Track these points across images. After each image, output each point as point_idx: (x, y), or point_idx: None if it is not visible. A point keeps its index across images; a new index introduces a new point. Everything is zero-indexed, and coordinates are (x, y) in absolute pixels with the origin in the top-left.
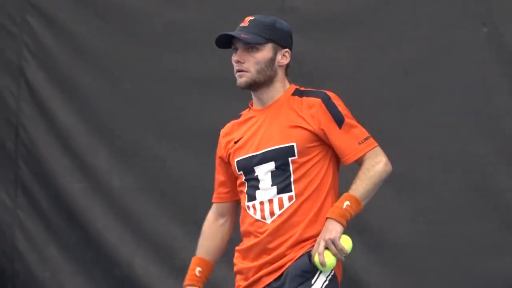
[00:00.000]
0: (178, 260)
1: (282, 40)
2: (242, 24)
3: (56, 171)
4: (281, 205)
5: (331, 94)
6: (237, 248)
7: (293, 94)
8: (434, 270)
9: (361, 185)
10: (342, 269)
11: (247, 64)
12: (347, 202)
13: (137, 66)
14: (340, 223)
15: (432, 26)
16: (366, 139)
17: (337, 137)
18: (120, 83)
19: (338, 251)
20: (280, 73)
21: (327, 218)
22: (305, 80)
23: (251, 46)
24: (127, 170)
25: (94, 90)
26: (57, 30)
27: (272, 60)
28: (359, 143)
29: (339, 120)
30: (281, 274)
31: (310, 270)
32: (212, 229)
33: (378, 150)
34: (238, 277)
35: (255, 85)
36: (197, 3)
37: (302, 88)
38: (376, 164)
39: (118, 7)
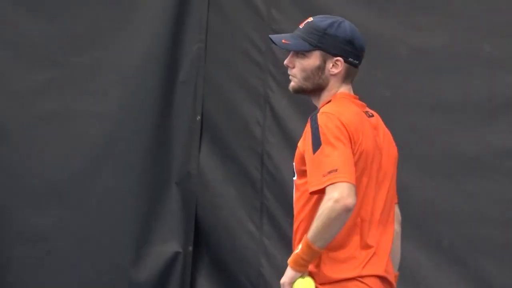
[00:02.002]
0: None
1: (333, 47)
2: (299, 26)
3: None
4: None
5: (323, 113)
6: None
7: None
8: None
9: (313, 227)
10: None
11: (295, 70)
12: (300, 246)
13: (380, 92)
14: (293, 269)
15: None
16: (331, 172)
17: (308, 161)
18: None
19: None
20: (333, 83)
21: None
22: None
23: (299, 52)
24: None
25: None
26: None
27: (321, 68)
28: (323, 175)
29: (316, 144)
30: None
31: None
32: None
33: (336, 186)
34: None
35: (303, 92)
36: (440, 28)
37: (332, 100)
38: (326, 202)
39: (363, 34)
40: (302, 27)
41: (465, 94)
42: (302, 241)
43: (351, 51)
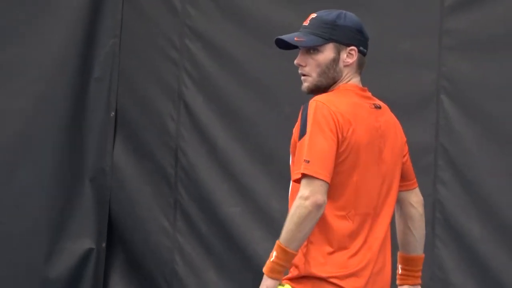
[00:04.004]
0: None
1: (345, 37)
2: (304, 23)
3: (215, 196)
4: None
5: (314, 100)
6: None
7: None
8: None
9: (285, 228)
10: None
11: (308, 68)
12: (275, 253)
13: (297, 90)
14: (271, 278)
15: None
16: (305, 161)
17: (297, 149)
18: (280, 107)
19: None
20: (346, 73)
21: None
22: (459, 100)
23: (312, 48)
24: (287, 194)
25: (254, 114)
26: (216, 54)
27: (335, 60)
28: (300, 164)
29: (302, 131)
30: None
31: None
32: None
33: (307, 180)
34: None
35: (318, 90)
36: None
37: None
38: (297, 201)
39: (280, 31)
40: (309, 24)
41: (383, 91)
42: (275, 246)
43: (361, 39)
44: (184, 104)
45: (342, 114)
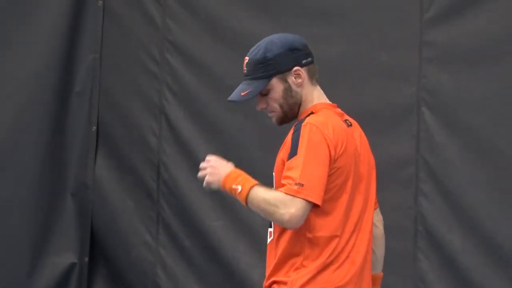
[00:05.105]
0: None
1: (283, 65)
2: (243, 71)
3: (198, 209)
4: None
5: (307, 123)
6: None
7: (307, 115)
8: None
9: (263, 199)
10: None
11: (270, 107)
12: (240, 187)
13: None
14: (222, 185)
15: None
16: (297, 184)
17: (285, 167)
18: (261, 120)
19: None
20: (304, 91)
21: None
22: (440, 112)
23: (262, 91)
24: None
25: (235, 127)
26: (197, 68)
27: (287, 88)
28: (289, 184)
29: (292, 152)
30: None
31: None
32: None
33: (294, 199)
34: None
35: (288, 118)
36: (337, 37)
37: (314, 111)
38: (280, 204)
39: None
40: (247, 71)
41: (361, 103)
42: (249, 183)
43: (299, 54)
44: (165, 118)
45: (335, 137)
